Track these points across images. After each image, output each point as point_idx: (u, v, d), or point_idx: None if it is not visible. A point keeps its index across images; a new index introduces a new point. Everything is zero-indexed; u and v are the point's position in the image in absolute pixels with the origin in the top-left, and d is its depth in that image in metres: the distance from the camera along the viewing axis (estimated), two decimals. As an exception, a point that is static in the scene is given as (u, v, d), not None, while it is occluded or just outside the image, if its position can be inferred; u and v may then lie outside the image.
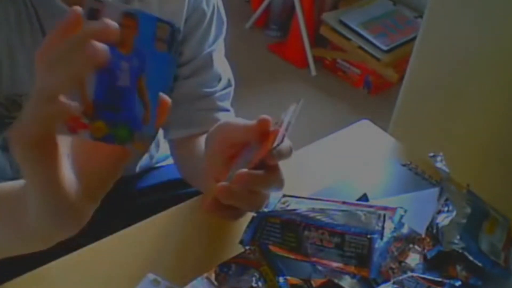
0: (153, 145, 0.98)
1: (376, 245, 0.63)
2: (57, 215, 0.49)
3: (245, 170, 0.62)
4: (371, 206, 0.71)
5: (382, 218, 0.66)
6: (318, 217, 0.67)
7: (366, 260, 0.63)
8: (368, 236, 0.64)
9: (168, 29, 0.47)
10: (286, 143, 0.65)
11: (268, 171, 0.64)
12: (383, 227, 0.65)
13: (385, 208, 0.70)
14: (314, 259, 0.65)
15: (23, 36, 0.73)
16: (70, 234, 0.51)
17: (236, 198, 0.63)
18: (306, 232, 0.66)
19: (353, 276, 0.66)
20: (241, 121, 0.68)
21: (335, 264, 0.64)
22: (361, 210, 0.69)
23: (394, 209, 0.69)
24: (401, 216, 0.69)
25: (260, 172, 0.64)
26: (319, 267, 0.66)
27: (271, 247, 0.66)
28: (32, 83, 0.78)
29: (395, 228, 0.67)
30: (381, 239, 0.64)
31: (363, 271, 0.63)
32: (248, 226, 0.69)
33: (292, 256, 0.66)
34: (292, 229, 0.66)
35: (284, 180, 0.66)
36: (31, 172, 0.46)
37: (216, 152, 0.69)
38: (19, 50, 0.74)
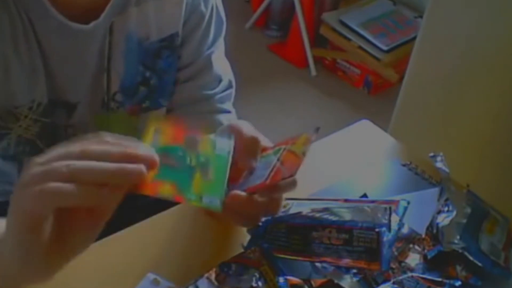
0: None
1: (385, 238, 0.63)
2: (29, 264, 0.51)
3: (243, 193, 0.62)
4: (373, 201, 0.71)
5: (388, 211, 0.66)
6: (325, 216, 0.67)
7: (376, 253, 0.63)
8: (376, 229, 0.63)
9: None
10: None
11: (268, 199, 0.65)
12: (389, 220, 0.65)
13: (388, 202, 0.70)
14: (322, 258, 0.65)
15: (18, 48, 0.73)
16: (36, 283, 0.53)
17: (229, 215, 0.64)
18: (314, 233, 0.65)
19: (354, 275, 0.66)
20: (251, 130, 0.68)
21: (344, 261, 0.64)
22: (367, 206, 0.69)
23: (396, 202, 0.69)
24: (405, 208, 0.69)
25: (259, 198, 0.64)
26: (324, 266, 0.66)
27: (276, 252, 0.66)
28: (27, 96, 0.78)
29: (400, 220, 0.67)
30: (389, 231, 0.64)
31: (374, 265, 0.63)
32: (252, 234, 0.69)
33: (299, 258, 0.66)
34: (298, 232, 0.66)
35: (280, 208, 0.67)
36: (17, 233, 0.49)
37: None
38: (14, 62, 0.73)
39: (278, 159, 0.65)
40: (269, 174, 0.63)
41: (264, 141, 0.68)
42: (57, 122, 0.82)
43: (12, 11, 0.71)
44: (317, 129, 0.65)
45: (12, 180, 0.88)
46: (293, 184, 0.65)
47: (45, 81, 0.77)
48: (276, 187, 0.64)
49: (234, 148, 0.65)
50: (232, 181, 0.63)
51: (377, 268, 0.63)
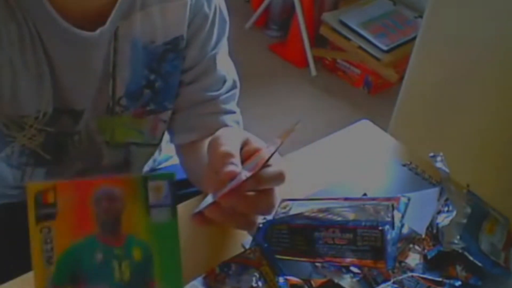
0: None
1: (389, 236, 0.63)
2: None
3: (223, 194, 0.61)
4: (373, 199, 0.71)
5: (390, 208, 0.66)
6: (328, 216, 0.67)
7: (381, 252, 0.63)
8: (380, 228, 0.63)
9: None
10: (275, 168, 0.64)
11: (259, 194, 0.64)
12: (393, 217, 0.65)
13: (388, 199, 0.69)
14: (326, 258, 0.65)
15: (25, 57, 0.73)
16: None
17: (223, 217, 0.63)
18: (316, 234, 0.65)
19: (354, 275, 0.66)
20: (225, 141, 0.66)
21: (349, 260, 0.64)
22: (368, 204, 0.69)
23: (397, 198, 0.70)
24: (406, 204, 0.69)
25: (250, 193, 0.63)
26: (324, 266, 0.66)
27: (280, 254, 0.66)
28: (33, 105, 0.78)
29: (402, 216, 0.67)
30: (393, 229, 0.64)
31: (379, 263, 0.63)
32: (254, 235, 0.68)
33: (303, 259, 0.66)
34: (301, 233, 0.66)
35: (274, 207, 0.66)
36: None
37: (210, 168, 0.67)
38: (21, 71, 0.73)
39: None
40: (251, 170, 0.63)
41: (257, 143, 0.68)
42: (62, 130, 0.81)
43: (19, 20, 0.71)
44: (297, 122, 0.64)
45: (8, 183, 0.88)
46: (279, 177, 0.64)
47: (51, 90, 0.77)
48: (261, 178, 0.63)
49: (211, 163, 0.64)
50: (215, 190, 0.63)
51: (383, 266, 0.63)
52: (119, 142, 0.88)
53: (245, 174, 0.61)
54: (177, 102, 0.88)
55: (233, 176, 0.61)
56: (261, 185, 0.64)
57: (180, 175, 0.96)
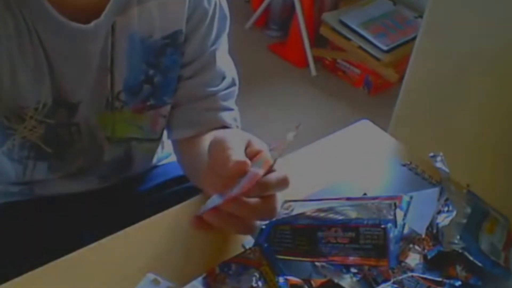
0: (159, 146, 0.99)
1: (391, 234, 0.63)
2: None
3: (236, 194, 0.61)
4: (375, 198, 0.71)
5: (392, 207, 0.66)
6: (329, 215, 0.67)
7: (383, 250, 0.63)
8: (382, 226, 0.63)
9: None
10: (279, 174, 0.64)
11: (261, 200, 0.64)
12: (395, 215, 0.65)
13: (391, 198, 0.69)
14: (329, 258, 0.65)
15: (23, 51, 0.73)
16: None
17: (222, 222, 0.63)
18: (319, 233, 0.65)
19: (354, 275, 0.66)
20: (230, 144, 0.65)
21: (351, 259, 0.64)
22: (370, 203, 0.69)
23: (400, 197, 0.69)
24: (408, 203, 0.69)
25: (252, 200, 0.63)
26: (324, 266, 0.66)
27: (283, 254, 0.66)
28: (33, 96, 0.79)
29: (405, 215, 0.67)
30: (395, 227, 0.64)
31: (382, 261, 0.63)
32: (257, 237, 0.68)
33: (306, 259, 0.66)
34: (303, 233, 0.66)
35: (277, 212, 0.66)
36: None
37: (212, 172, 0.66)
38: (20, 65, 0.74)
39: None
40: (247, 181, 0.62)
41: (258, 145, 0.67)
42: (61, 122, 0.82)
43: (16, 14, 0.72)
44: (298, 126, 0.64)
45: (10, 179, 0.88)
46: (284, 182, 0.64)
47: (49, 82, 0.77)
48: (267, 184, 0.63)
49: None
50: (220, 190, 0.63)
51: (385, 264, 0.63)
52: (120, 138, 0.88)
53: (254, 173, 0.61)
54: (176, 97, 0.88)
55: (241, 169, 0.61)
56: (267, 191, 0.64)
57: (179, 171, 0.97)
